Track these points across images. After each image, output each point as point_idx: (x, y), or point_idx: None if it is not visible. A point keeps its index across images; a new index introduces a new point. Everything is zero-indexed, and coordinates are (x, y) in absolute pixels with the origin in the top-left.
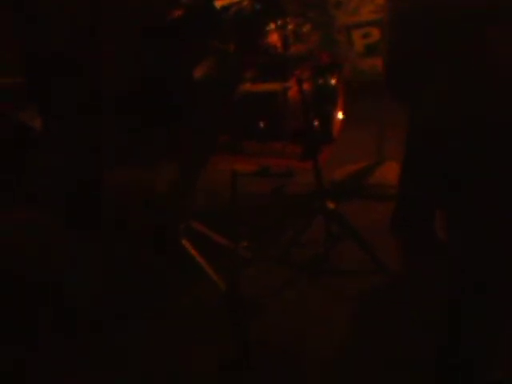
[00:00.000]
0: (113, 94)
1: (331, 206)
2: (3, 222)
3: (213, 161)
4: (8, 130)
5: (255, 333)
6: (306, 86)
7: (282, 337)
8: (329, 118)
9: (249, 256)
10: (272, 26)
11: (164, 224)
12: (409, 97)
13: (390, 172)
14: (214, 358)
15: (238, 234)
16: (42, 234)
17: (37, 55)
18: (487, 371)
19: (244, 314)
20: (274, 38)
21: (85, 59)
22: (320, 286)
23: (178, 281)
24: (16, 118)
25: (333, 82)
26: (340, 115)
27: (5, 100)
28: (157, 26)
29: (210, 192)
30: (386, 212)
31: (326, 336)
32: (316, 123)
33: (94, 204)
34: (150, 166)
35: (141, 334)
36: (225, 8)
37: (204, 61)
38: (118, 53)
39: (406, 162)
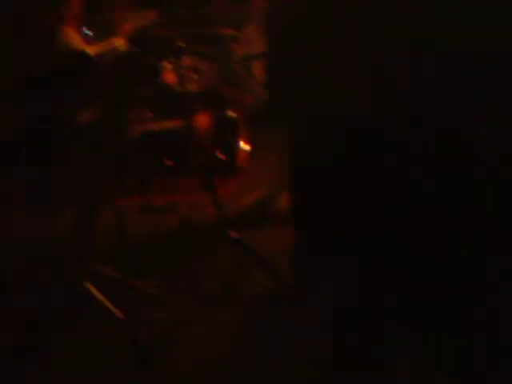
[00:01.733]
0: None
1: (234, 235)
2: None
3: (121, 201)
4: None
5: (168, 369)
6: (207, 121)
7: (193, 371)
8: (232, 149)
9: (156, 292)
10: (168, 65)
11: (68, 269)
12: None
13: None
14: None
15: (143, 271)
16: None
17: None
18: None
19: (150, 352)
20: (170, 76)
21: None
22: (229, 316)
23: (84, 324)
24: None
25: (234, 114)
26: (245, 146)
27: None
28: (32, 77)
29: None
30: (288, 236)
31: (238, 366)
32: (220, 156)
33: None
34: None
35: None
36: (99, 55)
37: (89, 107)
38: None
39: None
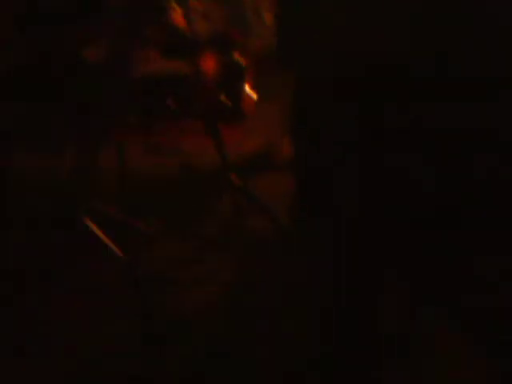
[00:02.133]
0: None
1: (237, 181)
2: None
3: (123, 140)
4: None
5: (168, 307)
6: (213, 64)
7: (194, 309)
8: (238, 95)
9: (155, 232)
10: (176, 6)
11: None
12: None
13: None
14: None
15: (143, 212)
16: None
17: None
18: None
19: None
20: (178, 17)
21: None
22: (229, 257)
23: (85, 260)
24: None
25: (241, 59)
26: (251, 92)
27: None
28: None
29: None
30: (290, 183)
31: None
32: (226, 101)
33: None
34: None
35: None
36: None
37: (97, 43)
38: None
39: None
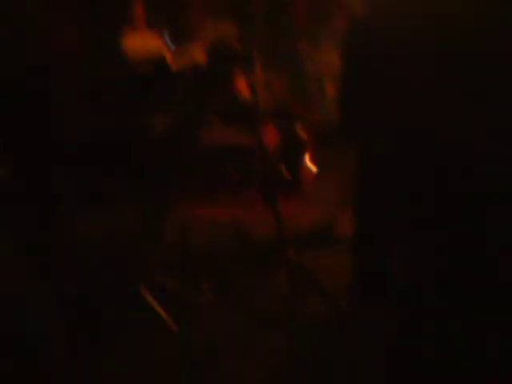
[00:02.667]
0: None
1: (294, 257)
2: None
3: (183, 209)
4: None
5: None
6: (275, 135)
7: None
8: (298, 167)
9: (209, 303)
10: (242, 77)
11: (129, 274)
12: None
13: None
14: None
15: (199, 282)
16: None
17: None
18: None
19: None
20: (242, 86)
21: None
22: (280, 334)
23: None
24: None
25: (303, 131)
26: (311, 165)
27: None
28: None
29: (174, 241)
30: (348, 260)
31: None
32: (285, 172)
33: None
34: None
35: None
36: (182, 69)
37: (164, 117)
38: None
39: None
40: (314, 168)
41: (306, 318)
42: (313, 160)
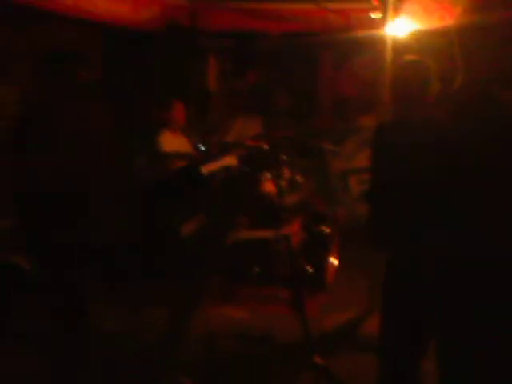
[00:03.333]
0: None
1: (320, 361)
2: None
3: (204, 307)
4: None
5: None
6: (299, 232)
7: None
8: (322, 265)
9: None
10: (267, 175)
11: (152, 374)
12: (388, 243)
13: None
14: None
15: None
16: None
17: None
18: None
19: None
20: (270, 187)
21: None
22: None
23: None
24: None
25: (327, 229)
26: (334, 261)
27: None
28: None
29: (199, 339)
30: (374, 364)
31: None
32: (310, 270)
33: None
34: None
35: None
36: (212, 173)
37: (192, 219)
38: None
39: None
40: (336, 262)
41: None
42: (336, 255)
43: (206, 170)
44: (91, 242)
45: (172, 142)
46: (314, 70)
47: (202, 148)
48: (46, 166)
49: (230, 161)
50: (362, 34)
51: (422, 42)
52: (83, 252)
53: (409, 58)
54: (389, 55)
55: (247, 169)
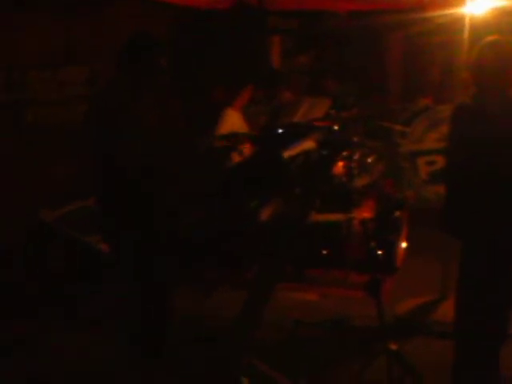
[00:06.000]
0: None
1: (394, 347)
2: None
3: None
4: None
5: None
6: (369, 216)
7: None
8: (392, 248)
9: None
10: (340, 157)
11: (225, 358)
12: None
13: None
14: None
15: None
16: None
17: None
18: None
19: None
20: (339, 169)
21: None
22: None
23: None
24: (83, 241)
25: (397, 212)
26: (403, 244)
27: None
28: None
29: (271, 322)
30: (446, 351)
31: None
32: (380, 254)
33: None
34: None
35: None
36: (292, 158)
37: (270, 204)
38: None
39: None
40: (404, 245)
41: None
42: (405, 237)
43: (287, 154)
44: (168, 228)
45: (237, 123)
46: (383, 50)
47: (279, 130)
48: (122, 151)
49: (309, 144)
50: (436, 13)
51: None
52: (160, 238)
53: (490, 38)
54: (467, 35)
55: (326, 152)
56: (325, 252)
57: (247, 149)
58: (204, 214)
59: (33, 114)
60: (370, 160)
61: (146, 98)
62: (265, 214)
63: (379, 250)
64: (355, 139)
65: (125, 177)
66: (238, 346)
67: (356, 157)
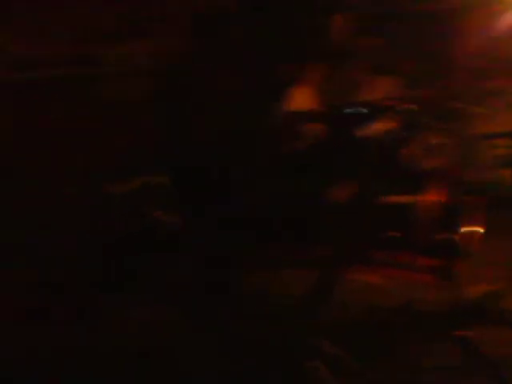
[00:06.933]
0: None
1: (462, 334)
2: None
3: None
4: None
5: None
6: (439, 199)
7: None
8: (463, 233)
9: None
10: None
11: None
12: None
13: None
14: None
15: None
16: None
17: None
18: None
19: None
20: (412, 151)
21: None
22: None
23: None
24: (151, 215)
25: (469, 195)
26: (477, 229)
27: None
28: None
29: (338, 303)
30: None
31: None
32: (450, 238)
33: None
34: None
35: None
36: (368, 137)
37: (344, 185)
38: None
39: None
40: (479, 230)
41: None
42: (478, 222)
43: (361, 133)
44: (243, 207)
45: (306, 101)
46: (453, 30)
47: (350, 109)
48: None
49: (387, 125)
50: None
51: None
52: (233, 216)
53: None
54: None
55: (404, 133)
56: (392, 234)
57: (316, 128)
58: (280, 190)
59: (104, 88)
60: (441, 142)
61: (222, 72)
62: (338, 195)
63: (448, 234)
64: (425, 120)
65: (205, 153)
66: (304, 325)
67: (427, 138)
